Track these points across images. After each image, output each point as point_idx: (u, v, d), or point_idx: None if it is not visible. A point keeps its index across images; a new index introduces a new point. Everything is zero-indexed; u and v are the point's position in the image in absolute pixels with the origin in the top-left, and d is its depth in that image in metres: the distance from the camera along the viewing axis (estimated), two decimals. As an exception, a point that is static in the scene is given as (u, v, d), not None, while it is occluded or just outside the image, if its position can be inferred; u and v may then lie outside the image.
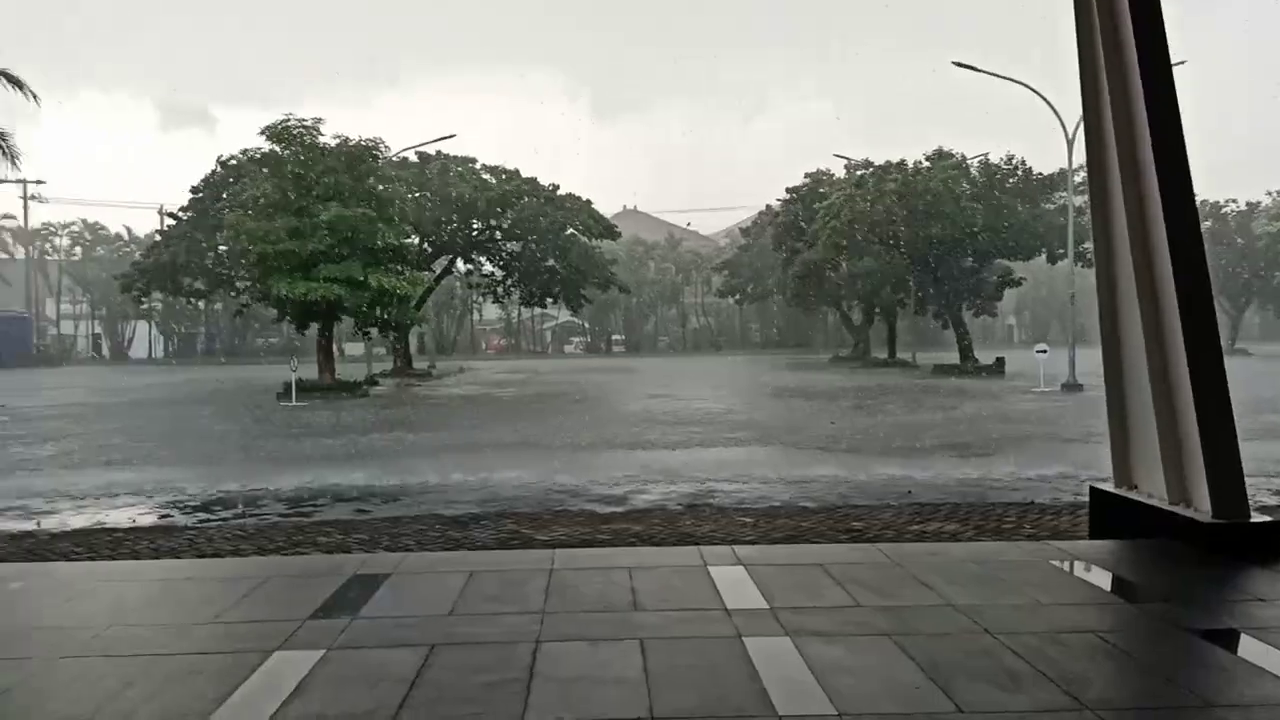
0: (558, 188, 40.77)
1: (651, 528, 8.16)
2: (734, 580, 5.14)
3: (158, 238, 41.70)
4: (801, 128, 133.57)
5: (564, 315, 66.44)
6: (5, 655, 4.19)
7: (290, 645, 4.17)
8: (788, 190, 46.28)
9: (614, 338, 73.96)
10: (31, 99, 24.28)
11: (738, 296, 59.91)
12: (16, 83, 23.66)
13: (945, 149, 37.54)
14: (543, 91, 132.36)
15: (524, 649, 4.08)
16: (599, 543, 7.45)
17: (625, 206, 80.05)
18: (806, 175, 45.71)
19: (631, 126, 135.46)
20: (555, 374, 39.64)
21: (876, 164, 38.63)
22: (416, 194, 35.81)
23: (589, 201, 41.63)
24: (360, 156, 28.20)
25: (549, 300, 45.69)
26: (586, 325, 72.62)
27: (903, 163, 37.43)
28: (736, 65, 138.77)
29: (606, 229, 42.47)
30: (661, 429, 17.03)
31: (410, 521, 8.66)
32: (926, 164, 36.95)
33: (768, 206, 53.05)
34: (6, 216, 57.30)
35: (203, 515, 9.57)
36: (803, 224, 42.67)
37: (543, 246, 41.46)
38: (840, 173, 42.94)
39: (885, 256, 39.83)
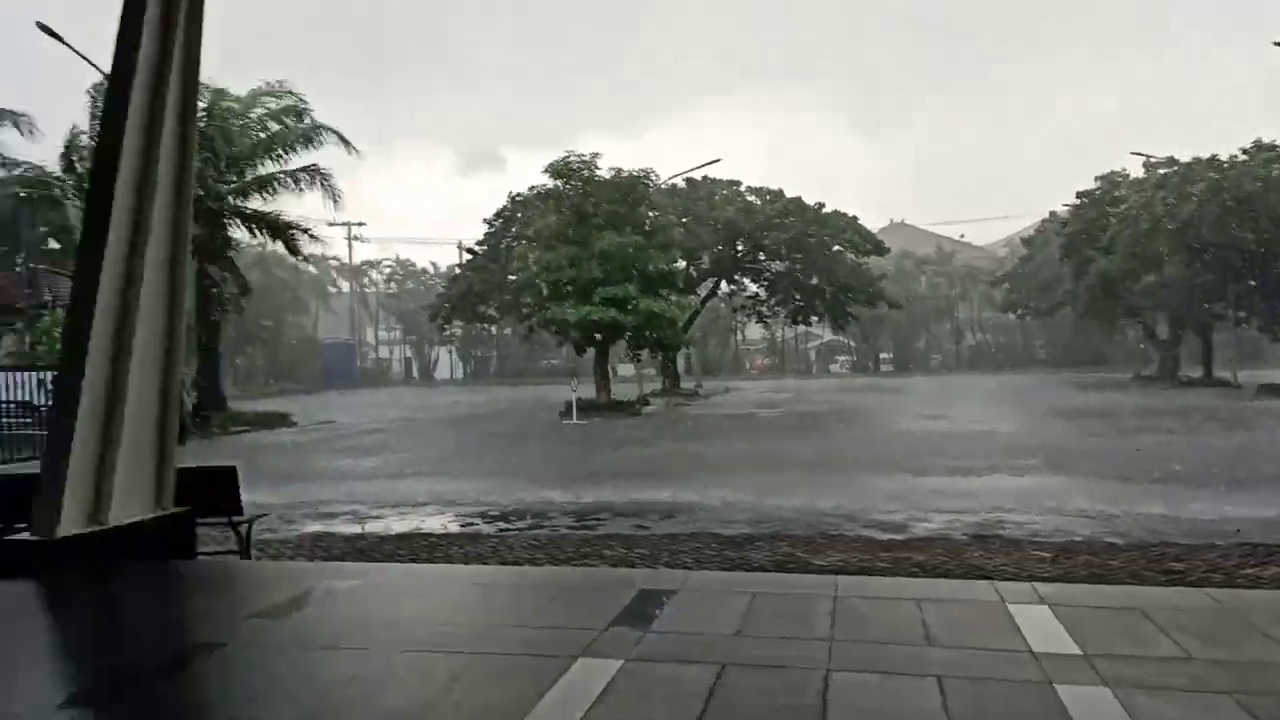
0: (823, 205, 40.36)
1: (934, 558, 7.80)
2: (1038, 620, 4.78)
3: (458, 270, 45.98)
4: (1085, 128, 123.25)
5: (828, 334, 65.30)
6: (347, 646, 4.76)
7: (591, 653, 4.40)
8: (1077, 195, 42.71)
9: (882, 356, 71.57)
10: (354, 153, 27.69)
11: (1021, 311, 55.88)
12: (342, 138, 27.09)
13: (1265, 141, 32.94)
14: (806, 108, 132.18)
15: (815, 676, 4.04)
16: (879, 570, 7.23)
17: (892, 220, 77.62)
18: (1098, 178, 41.98)
19: (897, 137, 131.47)
20: (820, 393, 39.05)
21: (1181, 161, 34.68)
22: (684, 220, 36.88)
23: (855, 218, 40.88)
24: (632, 186, 29.58)
25: (813, 319, 45.14)
26: (852, 344, 70.86)
27: (1214, 158, 33.29)
28: (1008, 64, 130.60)
29: (874, 245, 41.43)
30: (939, 452, 16.19)
31: (687, 539, 8.88)
32: (1244, 158, 32.61)
33: (1052, 213, 49.21)
34: (334, 257, 65.95)
35: (502, 524, 10.40)
36: (1097, 230, 39.11)
37: (807, 265, 41.18)
38: (1138, 172, 39.01)
39: (1196, 263, 35.42)
